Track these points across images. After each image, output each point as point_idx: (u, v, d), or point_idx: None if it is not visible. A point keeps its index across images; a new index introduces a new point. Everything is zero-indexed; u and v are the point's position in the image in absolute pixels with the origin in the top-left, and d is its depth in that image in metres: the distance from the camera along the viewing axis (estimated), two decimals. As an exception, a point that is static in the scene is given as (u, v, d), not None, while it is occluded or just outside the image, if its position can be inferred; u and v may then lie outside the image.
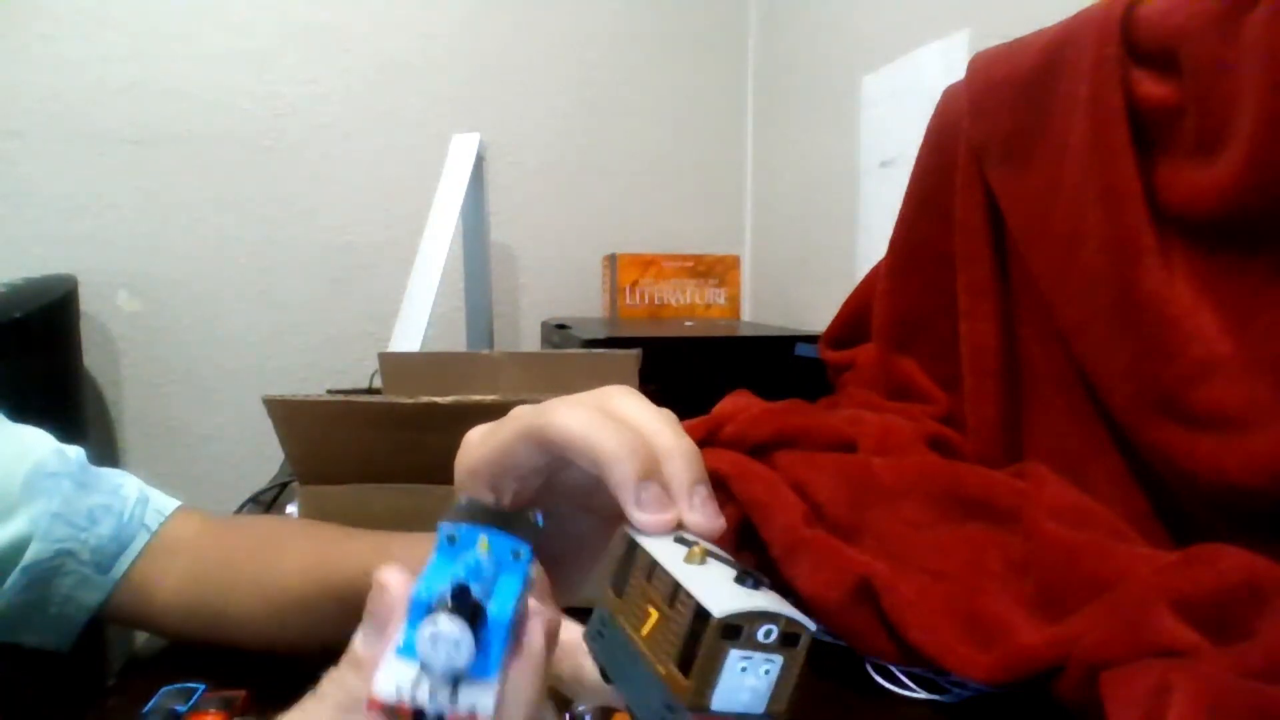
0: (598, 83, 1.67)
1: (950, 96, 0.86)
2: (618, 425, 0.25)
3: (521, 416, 0.27)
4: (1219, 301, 0.56)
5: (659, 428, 0.25)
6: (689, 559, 0.22)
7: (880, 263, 0.96)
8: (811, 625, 0.21)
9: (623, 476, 0.24)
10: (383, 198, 1.58)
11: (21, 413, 0.56)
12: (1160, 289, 0.58)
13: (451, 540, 0.24)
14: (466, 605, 0.22)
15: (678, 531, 0.25)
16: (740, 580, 0.22)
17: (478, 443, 0.28)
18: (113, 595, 0.52)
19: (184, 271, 1.50)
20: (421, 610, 0.22)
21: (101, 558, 0.51)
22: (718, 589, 0.21)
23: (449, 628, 0.22)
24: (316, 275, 1.57)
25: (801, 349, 1.11)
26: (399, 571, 0.24)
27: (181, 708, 0.46)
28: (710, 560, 0.23)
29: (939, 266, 0.84)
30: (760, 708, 0.21)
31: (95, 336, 1.47)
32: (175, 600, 0.52)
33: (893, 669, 0.51)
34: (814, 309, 1.42)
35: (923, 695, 0.49)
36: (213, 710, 0.45)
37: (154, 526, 0.53)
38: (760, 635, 0.21)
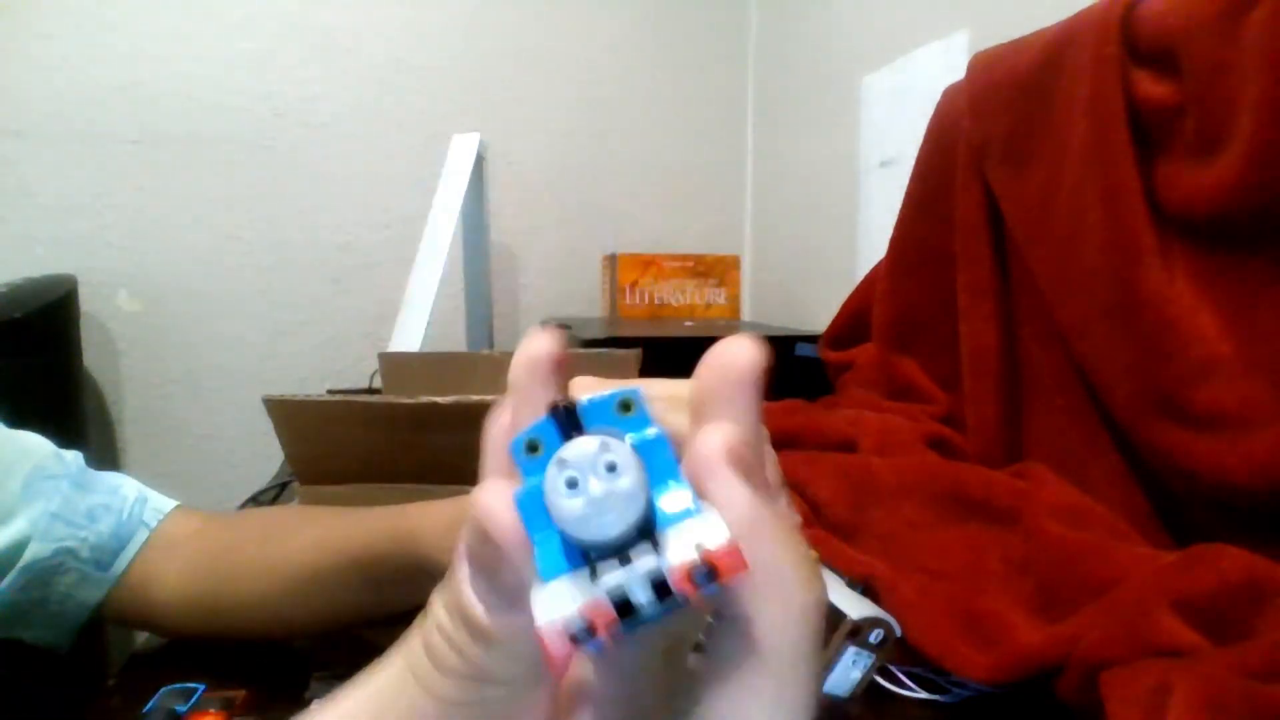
0: (598, 83, 1.67)
1: (950, 96, 0.86)
2: None
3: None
4: (1219, 301, 0.56)
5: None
6: None
7: (880, 263, 0.96)
8: (899, 630, 0.24)
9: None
10: (383, 198, 1.58)
11: (21, 412, 0.56)
12: (1160, 289, 0.58)
13: (532, 448, 0.17)
14: (576, 418, 0.16)
15: None
16: (851, 586, 0.25)
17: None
18: (113, 593, 0.52)
19: (184, 271, 1.50)
20: (536, 507, 0.16)
21: (101, 555, 0.51)
22: (841, 593, 0.24)
23: (585, 448, 0.16)
24: (316, 275, 1.57)
25: (801, 349, 1.11)
26: (497, 489, 0.17)
27: (181, 708, 0.46)
28: (823, 566, 0.25)
29: (939, 266, 0.84)
30: (846, 692, 0.24)
31: (95, 336, 1.47)
32: (176, 594, 0.52)
33: (893, 669, 0.51)
34: (814, 309, 1.42)
35: (923, 695, 0.49)
36: (213, 710, 0.45)
37: (153, 524, 0.54)
38: (872, 637, 0.24)
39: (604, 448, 0.15)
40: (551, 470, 0.16)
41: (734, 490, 0.16)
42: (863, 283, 1.02)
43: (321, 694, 0.47)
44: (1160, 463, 0.59)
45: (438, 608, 0.19)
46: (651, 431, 0.17)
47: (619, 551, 0.15)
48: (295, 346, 1.57)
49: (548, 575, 0.16)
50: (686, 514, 0.16)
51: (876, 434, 0.76)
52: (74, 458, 0.54)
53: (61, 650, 0.53)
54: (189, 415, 1.53)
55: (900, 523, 0.63)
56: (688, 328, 1.39)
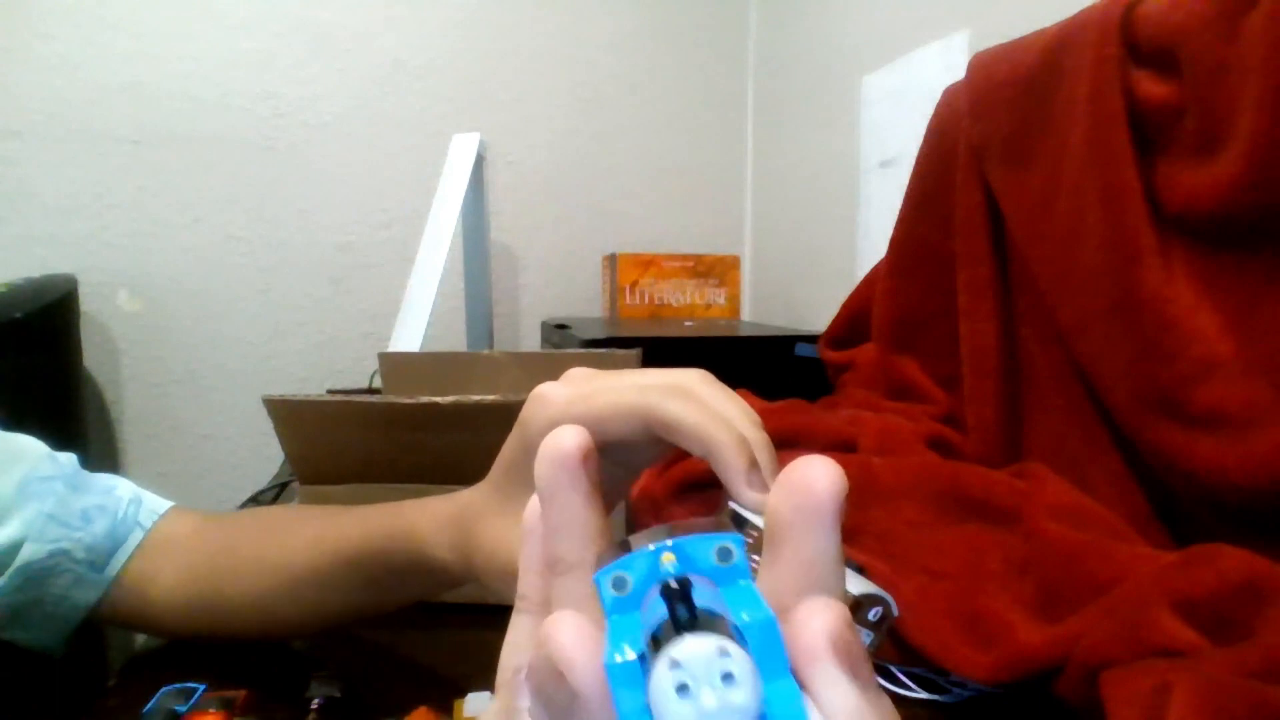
0: (598, 82, 1.67)
1: (950, 96, 0.86)
2: (720, 418, 0.28)
3: (612, 390, 0.29)
4: (1219, 301, 0.56)
5: (745, 422, 0.29)
6: None
7: (880, 263, 0.96)
8: (896, 611, 0.24)
9: (735, 464, 0.27)
10: (383, 198, 1.58)
11: (21, 413, 0.56)
12: (1160, 289, 0.58)
13: (620, 585, 0.17)
14: (701, 614, 0.15)
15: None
16: (848, 565, 0.25)
17: (563, 403, 0.30)
18: (108, 594, 0.52)
19: (184, 271, 1.50)
20: (632, 676, 0.15)
21: (96, 557, 0.51)
22: None
23: (702, 652, 0.15)
24: (316, 275, 1.57)
25: (801, 349, 1.11)
26: (575, 629, 0.16)
27: (181, 708, 0.46)
28: None
29: (939, 266, 0.84)
30: None
31: (95, 336, 1.47)
32: (172, 595, 0.52)
33: (893, 669, 0.51)
34: (814, 309, 1.42)
35: (923, 695, 0.49)
36: (213, 710, 0.45)
37: (148, 525, 0.53)
38: (870, 615, 0.24)
39: (721, 653, 0.15)
40: (661, 669, 0.15)
41: (841, 691, 0.15)
42: (863, 283, 1.02)
43: (321, 694, 0.47)
44: (1160, 463, 0.59)
45: None
46: (762, 615, 0.16)
47: None
48: (295, 346, 1.57)
49: None
50: (792, 717, 0.15)
51: (876, 434, 0.76)
52: (68, 459, 0.54)
53: (54, 654, 0.53)
54: (189, 415, 1.53)
55: (900, 523, 0.63)
56: (688, 328, 1.39)
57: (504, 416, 0.57)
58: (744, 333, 1.32)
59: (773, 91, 1.65)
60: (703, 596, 0.16)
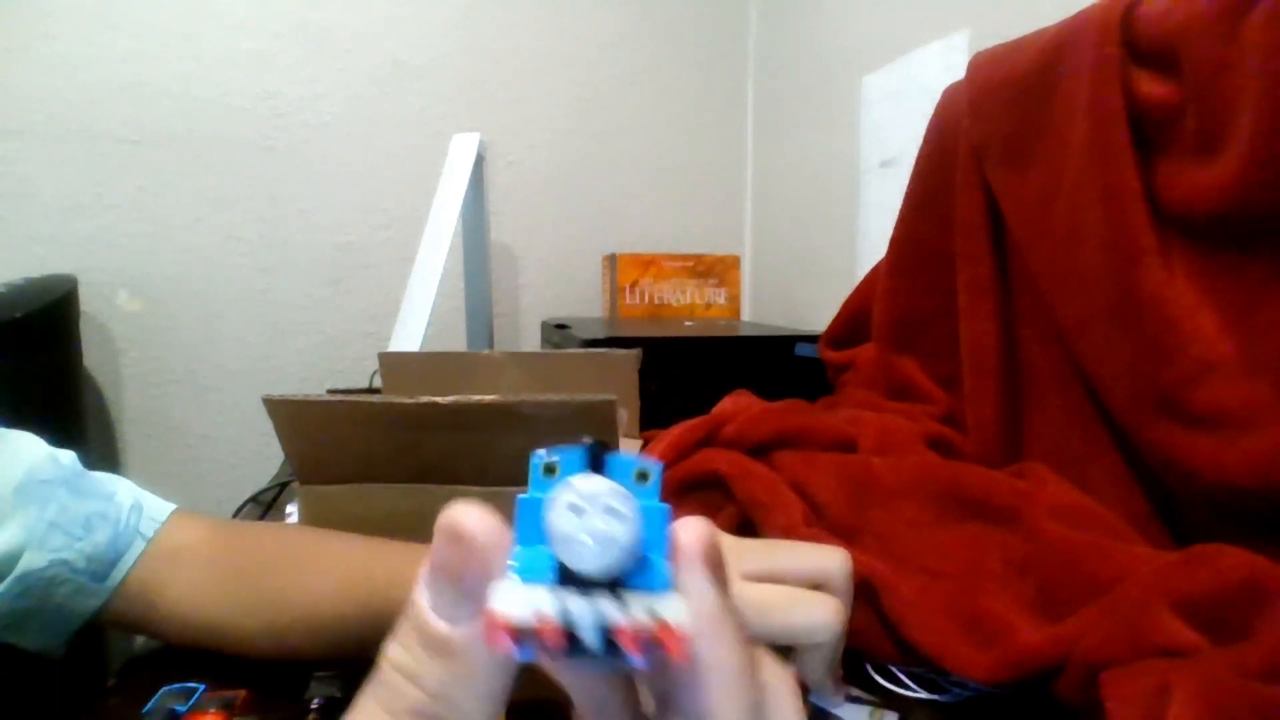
0: (598, 82, 1.67)
1: (950, 96, 0.86)
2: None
3: (812, 606, 0.33)
4: (1219, 301, 0.56)
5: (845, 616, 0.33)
6: (874, 717, 0.29)
7: (880, 263, 0.96)
8: None
9: (835, 671, 0.30)
10: (382, 198, 1.58)
11: (21, 413, 0.56)
12: (1160, 289, 0.58)
13: (550, 471, 0.18)
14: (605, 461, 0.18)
15: None
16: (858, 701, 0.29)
17: (752, 614, 0.32)
18: (111, 603, 0.51)
19: (184, 271, 1.50)
20: (533, 516, 0.17)
21: (97, 566, 0.50)
22: None
23: (599, 485, 0.17)
24: (316, 275, 1.57)
25: (801, 349, 1.11)
26: (475, 508, 0.18)
27: (181, 708, 0.46)
28: (885, 713, 0.30)
29: (939, 266, 0.84)
30: None
31: (95, 336, 1.47)
32: (180, 609, 0.51)
33: (893, 669, 0.51)
34: (814, 309, 1.42)
35: (923, 695, 0.49)
36: (213, 710, 0.45)
37: (149, 534, 0.53)
38: None
39: (614, 493, 0.17)
40: (561, 490, 0.17)
41: (703, 585, 0.18)
42: (863, 283, 1.02)
43: (321, 694, 0.47)
44: (1160, 463, 0.59)
45: (389, 651, 0.20)
46: (658, 504, 0.18)
47: (590, 589, 0.17)
48: (295, 346, 1.57)
49: (525, 577, 0.17)
50: (659, 585, 0.17)
51: (876, 434, 0.75)
52: (69, 459, 0.53)
53: (54, 656, 0.53)
54: (189, 415, 1.53)
55: (900, 523, 0.63)
56: (688, 328, 1.39)
57: (504, 416, 0.57)
58: (744, 333, 1.32)
59: (773, 91, 1.65)
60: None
